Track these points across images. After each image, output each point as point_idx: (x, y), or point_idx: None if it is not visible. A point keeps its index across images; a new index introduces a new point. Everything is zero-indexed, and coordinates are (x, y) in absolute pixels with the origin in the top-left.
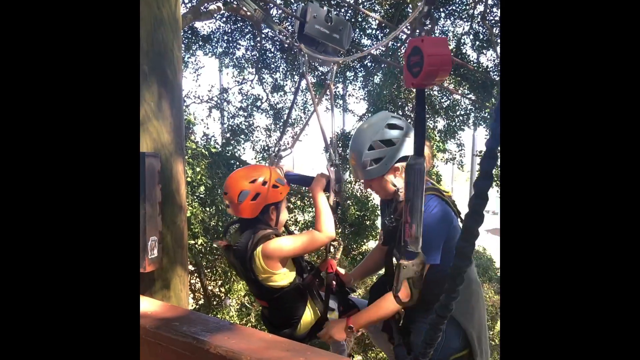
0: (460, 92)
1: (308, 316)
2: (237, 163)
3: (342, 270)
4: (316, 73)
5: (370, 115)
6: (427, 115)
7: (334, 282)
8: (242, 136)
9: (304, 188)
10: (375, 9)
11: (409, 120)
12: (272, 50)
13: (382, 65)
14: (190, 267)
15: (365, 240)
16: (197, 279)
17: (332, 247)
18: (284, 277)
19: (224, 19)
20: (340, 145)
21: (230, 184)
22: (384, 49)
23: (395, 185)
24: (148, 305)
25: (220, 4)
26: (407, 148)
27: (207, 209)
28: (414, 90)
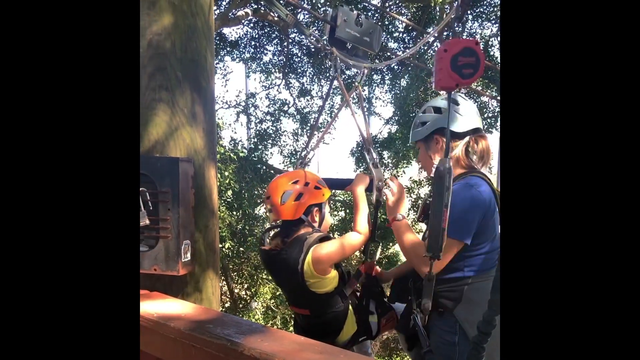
0: (488, 94)
1: (350, 322)
2: (264, 167)
3: (378, 268)
4: (343, 77)
5: (397, 118)
6: None
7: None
8: (270, 141)
9: (332, 191)
10: (402, 12)
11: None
12: (299, 54)
13: (409, 68)
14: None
15: (391, 244)
16: (224, 282)
17: (370, 249)
18: (329, 282)
19: (252, 25)
20: None
21: (272, 187)
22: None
23: (431, 158)
24: (182, 307)
25: (248, 10)
26: (444, 120)
27: (234, 212)
28: (441, 92)
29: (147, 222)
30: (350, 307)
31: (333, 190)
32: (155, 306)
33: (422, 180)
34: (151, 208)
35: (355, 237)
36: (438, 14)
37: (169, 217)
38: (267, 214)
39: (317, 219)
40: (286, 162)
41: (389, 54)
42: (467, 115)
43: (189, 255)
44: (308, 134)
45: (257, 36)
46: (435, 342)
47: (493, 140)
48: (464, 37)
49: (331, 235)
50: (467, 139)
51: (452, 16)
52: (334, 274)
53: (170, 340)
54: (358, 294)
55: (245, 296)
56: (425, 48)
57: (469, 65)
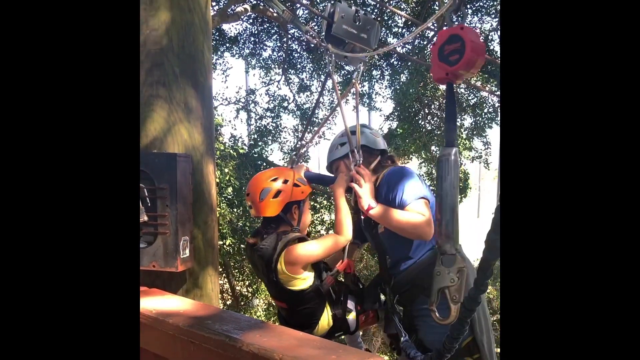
0: (487, 89)
1: (325, 318)
2: (265, 164)
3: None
4: (342, 72)
5: (397, 114)
6: None
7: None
8: (270, 137)
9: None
10: (402, 7)
11: (435, 119)
12: (299, 50)
13: (409, 64)
14: (218, 268)
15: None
16: (225, 279)
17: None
18: (304, 280)
19: (251, 21)
20: None
21: (251, 184)
22: (410, 47)
23: (350, 171)
24: (180, 304)
25: (247, 6)
26: (365, 139)
27: (235, 209)
28: (441, 87)
29: (146, 218)
30: (327, 303)
31: (324, 187)
32: (154, 303)
33: (423, 175)
34: (149, 204)
35: (334, 239)
36: (437, 9)
37: (167, 214)
38: (249, 209)
39: (296, 216)
40: (286, 158)
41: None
42: (378, 138)
43: (187, 251)
44: (307, 130)
45: (256, 32)
46: (428, 325)
47: (494, 135)
48: None
49: (308, 236)
50: (379, 157)
51: (447, 8)
52: (307, 274)
53: (169, 336)
54: (337, 289)
55: (246, 293)
56: (425, 43)
57: (455, 51)
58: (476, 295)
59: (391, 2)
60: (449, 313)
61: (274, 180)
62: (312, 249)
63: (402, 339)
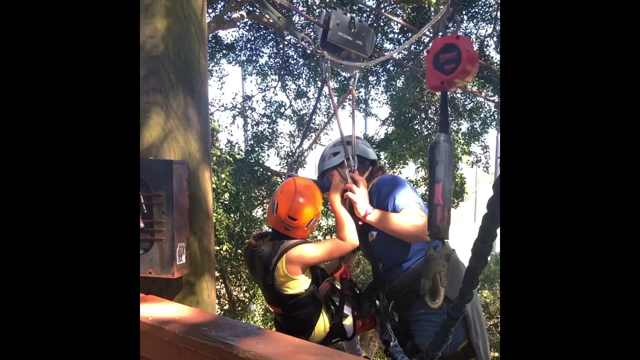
0: (483, 94)
1: (322, 324)
2: (261, 169)
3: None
4: (339, 78)
5: (392, 119)
6: (451, 118)
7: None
8: (266, 143)
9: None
10: (397, 13)
11: (432, 123)
12: (295, 57)
13: (405, 69)
14: (215, 273)
15: None
16: (222, 285)
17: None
18: (300, 284)
19: (247, 27)
20: None
21: (301, 211)
22: (406, 52)
23: (345, 180)
24: (177, 310)
25: (243, 13)
26: (359, 149)
27: (232, 215)
28: (437, 93)
29: (142, 225)
30: (323, 309)
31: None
32: (150, 309)
33: (419, 180)
34: (145, 211)
35: (337, 244)
36: (433, 15)
37: (164, 220)
38: (288, 227)
39: (309, 231)
40: (283, 163)
41: (381, 56)
42: (369, 148)
43: (184, 258)
44: (303, 136)
45: (252, 39)
46: (425, 330)
47: (491, 139)
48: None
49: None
50: (371, 167)
51: (441, 15)
52: (304, 278)
53: (166, 343)
54: (332, 297)
55: (243, 298)
56: (421, 48)
57: (451, 60)
58: (461, 304)
59: (387, 8)
60: (438, 298)
61: (317, 209)
62: (314, 250)
63: (391, 344)
